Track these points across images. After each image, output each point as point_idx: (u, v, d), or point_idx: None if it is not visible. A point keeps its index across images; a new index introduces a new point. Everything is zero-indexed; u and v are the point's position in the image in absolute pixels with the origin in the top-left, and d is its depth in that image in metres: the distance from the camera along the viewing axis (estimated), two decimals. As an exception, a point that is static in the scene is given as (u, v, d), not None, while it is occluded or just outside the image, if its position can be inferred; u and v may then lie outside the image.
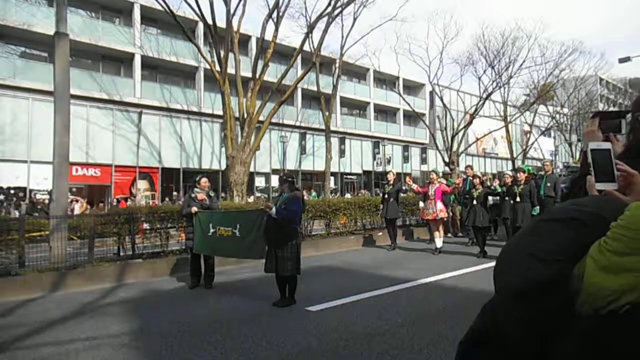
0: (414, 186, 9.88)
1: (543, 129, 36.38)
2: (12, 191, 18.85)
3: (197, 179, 6.96)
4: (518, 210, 8.21)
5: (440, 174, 9.85)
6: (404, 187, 10.14)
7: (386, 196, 10.04)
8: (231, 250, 6.26)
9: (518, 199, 8.28)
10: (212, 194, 6.92)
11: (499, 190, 8.81)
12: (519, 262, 0.89)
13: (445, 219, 9.61)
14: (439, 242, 9.14)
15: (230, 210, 6.62)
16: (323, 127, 24.33)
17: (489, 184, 10.53)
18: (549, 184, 9.50)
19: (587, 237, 0.82)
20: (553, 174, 9.94)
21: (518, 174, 8.44)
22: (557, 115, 36.04)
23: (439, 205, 9.12)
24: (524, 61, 27.74)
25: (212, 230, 6.16)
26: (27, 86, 19.56)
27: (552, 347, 0.84)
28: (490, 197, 8.79)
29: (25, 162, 19.34)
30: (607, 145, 0.98)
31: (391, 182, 10.11)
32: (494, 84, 27.41)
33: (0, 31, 20.00)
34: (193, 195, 6.75)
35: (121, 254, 7.80)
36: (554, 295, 0.83)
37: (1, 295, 5.92)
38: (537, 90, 31.98)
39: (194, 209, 6.51)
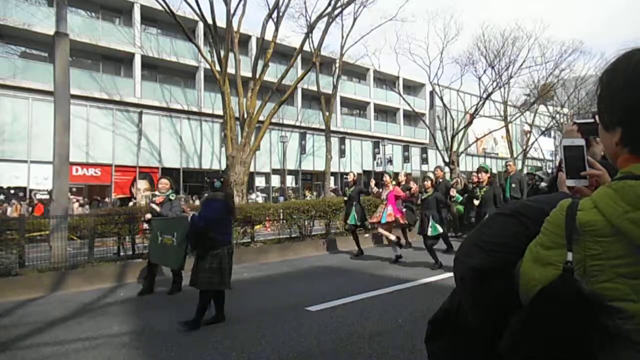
0: (374, 189, 8.90)
1: (543, 129, 36.39)
2: (12, 191, 18.84)
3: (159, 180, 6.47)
4: (480, 218, 6.87)
5: (391, 177, 8.68)
6: (367, 190, 9.05)
7: (346, 199, 9.27)
8: (169, 260, 5.67)
9: (477, 203, 7.09)
10: (172, 196, 6.30)
11: (460, 199, 7.78)
12: (466, 250, 0.97)
13: (394, 223, 8.40)
14: (396, 250, 8.18)
15: (170, 217, 5.96)
16: (323, 127, 24.34)
17: (452, 184, 9.64)
18: (513, 185, 8.74)
19: (529, 232, 0.87)
20: (517, 173, 9.20)
21: (479, 175, 7.17)
22: (557, 115, 36.04)
23: (389, 209, 8.21)
24: (524, 61, 27.80)
25: (159, 239, 5.70)
26: (27, 86, 19.56)
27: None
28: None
29: (25, 162, 19.34)
30: (580, 142, 0.99)
31: (351, 183, 9.30)
32: (494, 83, 27.43)
33: (0, 31, 20.01)
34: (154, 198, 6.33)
35: (121, 254, 7.82)
36: (493, 283, 0.88)
37: (1, 295, 5.93)
38: (537, 90, 31.99)
39: (148, 215, 6.20)
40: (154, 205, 6.24)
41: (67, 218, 7.67)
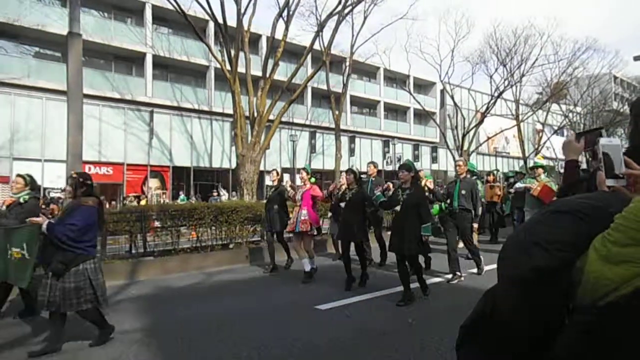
0: (291, 192, 7.32)
1: (556, 128, 36.01)
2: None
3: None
4: (402, 228, 5.32)
5: (309, 174, 7.24)
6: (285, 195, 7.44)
7: (266, 201, 7.87)
8: (16, 277, 4.44)
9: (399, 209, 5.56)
10: (23, 199, 4.97)
11: (381, 198, 5.86)
12: (523, 250, 0.92)
13: (310, 233, 6.88)
14: (306, 264, 6.72)
15: (15, 225, 4.64)
16: (333, 125, 24.33)
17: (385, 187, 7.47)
18: (463, 192, 6.67)
19: (591, 230, 0.84)
20: (468, 177, 7.09)
21: (400, 173, 5.56)
22: (570, 114, 35.60)
23: (303, 213, 6.75)
24: (536, 59, 27.56)
25: (9, 252, 4.43)
26: (41, 86, 19.86)
27: (553, 337, 0.86)
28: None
29: (39, 160, 19.63)
30: (616, 141, 0.99)
31: (275, 183, 7.79)
32: (506, 82, 27.21)
33: (15, 31, 20.32)
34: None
35: (133, 251, 7.89)
36: (555, 284, 0.85)
37: (15, 292, 6.01)
38: (550, 89, 31.64)
39: None
40: (10, 200, 5.10)
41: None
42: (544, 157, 39.28)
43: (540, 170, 7.76)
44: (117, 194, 21.81)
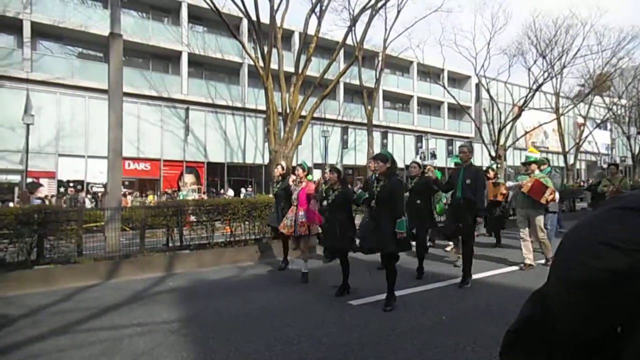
0: (293, 187, 6.76)
1: (598, 122, 34.50)
2: (71, 184, 20.06)
3: None
4: (377, 225, 4.83)
5: (306, 170, 6.70)
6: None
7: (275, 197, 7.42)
8: None
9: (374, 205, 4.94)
10: None
11: (364, 196, 5.22)
12: (590, 250, 0.83)
13: (309, 235, 6.34)
14: (303, 266, 6.34)
15: None
16: (365, 121, 24.21)
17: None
18: (468, 181, 5.80)
19: None
20: (474, 165, 6.13)
21: (375, 163, 5.09)
22: (614, 107, 33.99)
23: (301, 215, 6.26)
24: (578, 50, 26.46)
25: None
26: (84, 85, 20.73)
27: (625, 340, 0.81)
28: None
29: (83, 156, 20.51)
30: None
31: (279, 178, 7.27)
32: (545, 74, 26.27)
33: (60, 33, 21.26)
34: None
35: (170, 244, 8.14)
36: (628, 286, 0.79)
37: (62, 282, 6.34)
38: (593, 81, 30.33)
39: None
40: None
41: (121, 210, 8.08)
42: (586, 152, 37.73)
43: (534, 166, 7.09)
44: (155, 189, 22.50)
